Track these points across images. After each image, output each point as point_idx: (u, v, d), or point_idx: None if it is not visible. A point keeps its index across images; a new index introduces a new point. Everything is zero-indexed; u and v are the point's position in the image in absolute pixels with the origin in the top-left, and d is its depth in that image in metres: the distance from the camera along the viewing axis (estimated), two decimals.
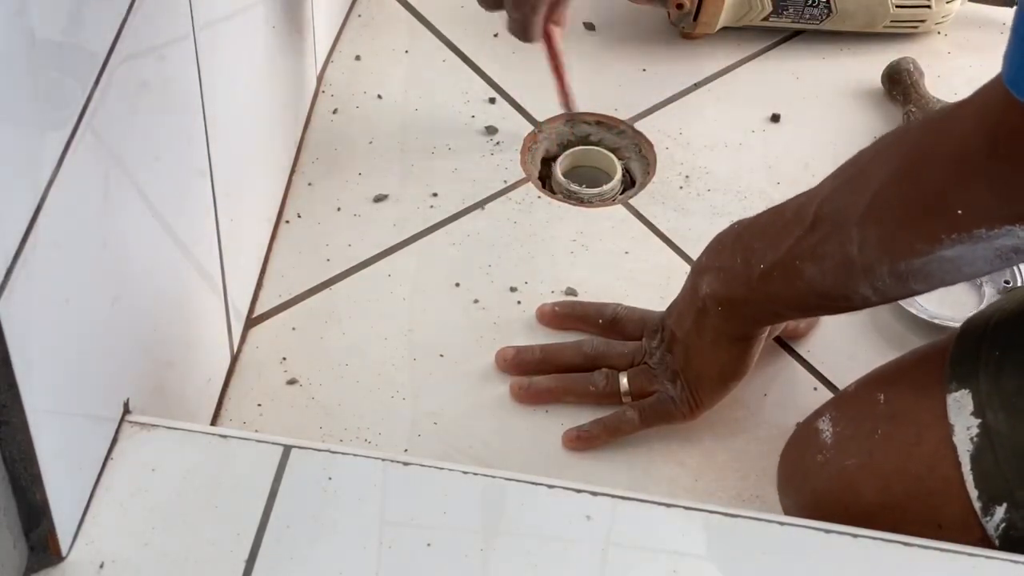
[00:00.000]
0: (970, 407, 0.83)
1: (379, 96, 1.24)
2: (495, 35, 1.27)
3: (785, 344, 1.06)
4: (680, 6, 1.25)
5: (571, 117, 1.20)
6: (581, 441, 0.98)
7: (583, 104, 1.22)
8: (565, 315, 1.06)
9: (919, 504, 0.85)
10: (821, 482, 0.90)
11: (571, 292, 1.09)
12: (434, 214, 1.14)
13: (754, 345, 0.96)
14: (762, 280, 0.89)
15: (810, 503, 0.90)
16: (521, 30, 1.08)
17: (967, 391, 0.84)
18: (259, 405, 1.01)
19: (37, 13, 0.62)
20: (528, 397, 1.01)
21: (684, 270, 0.99)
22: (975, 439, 0.82)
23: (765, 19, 1.28)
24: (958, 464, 0.83)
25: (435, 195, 1.16)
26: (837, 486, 0.89)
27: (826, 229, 0.84)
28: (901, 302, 1.06)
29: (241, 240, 1.03)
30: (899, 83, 1.23)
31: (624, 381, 1.00)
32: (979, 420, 0.83)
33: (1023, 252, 0.75)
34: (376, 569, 0.74)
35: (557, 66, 1.14)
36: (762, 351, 1.04)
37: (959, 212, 0.75)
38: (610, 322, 1.04)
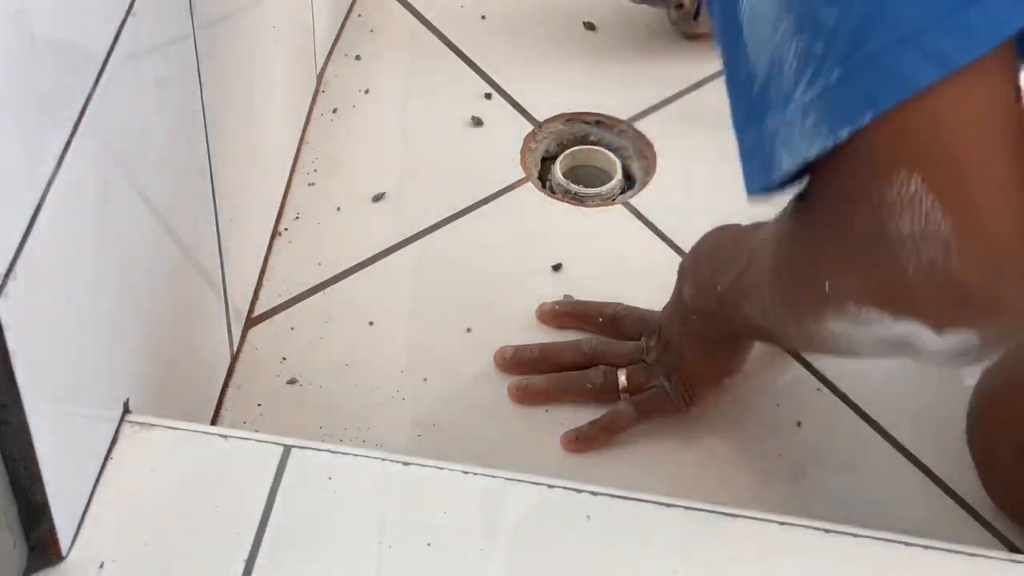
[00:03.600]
0: None
1: (379, 96, 1.24)
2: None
3: None
4: (680, 6, 1.26)
5: None
6: (580, 443, 0.98)
7: (584, 104, 1.22)
8: (565, 314, 1.06)
9: None
10: (976, 399, 0.94)
11: (570, 292, 1.09)
12: (434, 214, 1.14)
13: (744, 348, 0.96)
14: (721, 302, 0.90)
15: (972, 418, 0.95)
16: None
17: None
18: (259, 405, 1.01)
19: (37, 13, 0.62)
20: (526, 397, 1.01)
21: None
22: None
23: None
24: None
25: (435, 195, 1.16)
26: (982, 406, 0.93)
27: (752, 279, 0.83)
28: None
29: (241, 240, 1.03)
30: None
31: (623, 378, 1.00)
32: None
33: (906, 346, 0.69)
34: (376, 569, 0.74)
35: None
36: (762, 351, 1.04)
37: (825, 284, 0.70)
38: (610, 321, 1.05)
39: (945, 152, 0.63)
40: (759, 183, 0.69)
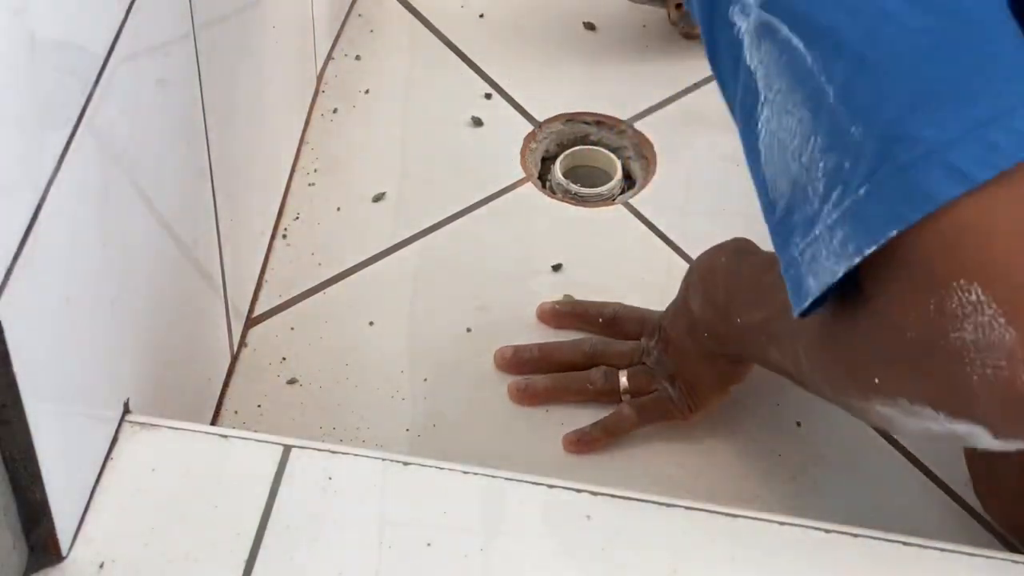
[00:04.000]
0: None
1: (379, 96, 1.24)
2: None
3: None
4: (680, 6, 1.25)
5: None
6: (581, 444, 0.98)
7: (584, 104, 1.22)
8: (565, 313, 1.06)
9: None
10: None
11: (570, 292, 1.09)
12: (433, 214, 1.14)
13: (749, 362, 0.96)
14: (741, 333, 0.88)
15: None
16: None
17: None
18: (259, 405, 1.01)
19: (37, 13, 0.62)
20: (525, 398, 1.01)
21: (684, 270, 0.98)
22: None
23: None
24: None
25: (435, 195, 1.16)
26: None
27: (783, 332, 0.81)
28: None
29: (241, 240, 1.03)
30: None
31: (623, 379, 1.00)
32: None
33: (965, 442, 0.67)
34: (376, 569, 0.74)
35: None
36: None
37: (876, 381, 0.69)
38: (610, 321, 1.04)
39: (1001, 261, 0.62)
40: (797, 306, 0.68)
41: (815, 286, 0.66)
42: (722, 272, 0.92)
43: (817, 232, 0.65)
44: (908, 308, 0.65)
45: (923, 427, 0.68)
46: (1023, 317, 0.62)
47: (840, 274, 0.65)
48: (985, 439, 0.66)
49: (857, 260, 0.64)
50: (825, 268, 0.65)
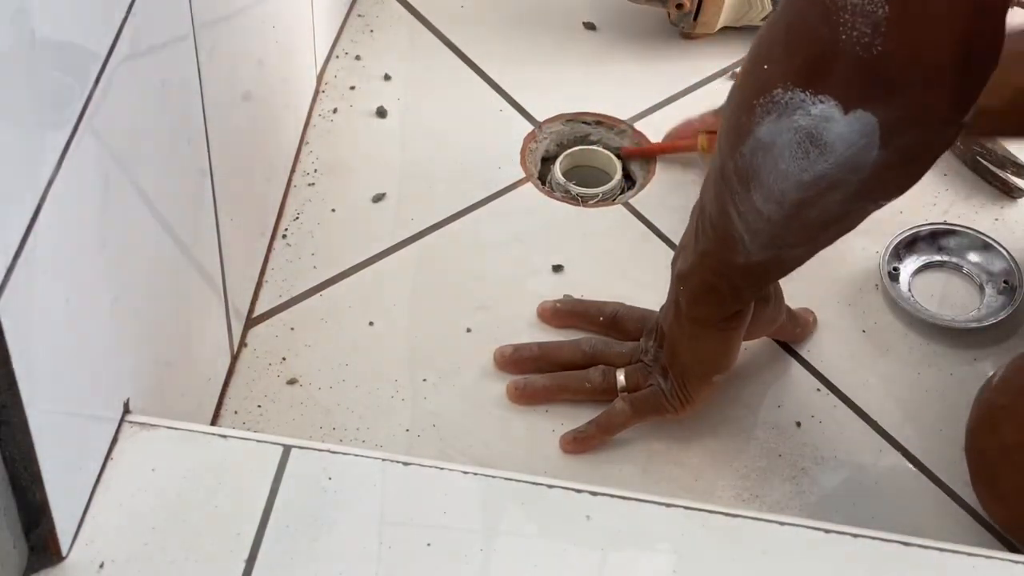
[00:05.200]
0: None
1: (379, 96, 1.24)
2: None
3: (785, 345, 1.06)
4: (680, 6, 1.25)
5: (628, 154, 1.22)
6: (577, 443, 0.98)
7: (584, 104, 1.22)
8: (566, 313, 1.06)
9: None
10: (976, 417, 0.95)
11: (570, 292, 1.09)
12: (433, 213, 1.14)
13: (731, 337, 0.96)
14: (696, 239, 0.91)
15: (968, 433, 0.96)
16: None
17: None
18: (259, 405, 1.01)
19: (37, 13, 0.62)
20: (524, 397, 1.01)
21: None
22: None
23: (765, 19, 1.28)
24: None
25: (435, 195, 1.16)
26: (984, 422, 0.94)
27: (717, 143, 0.88)
28: (900, 303, 1.07)
29: (241, 240, 1.03)
30: None
31: (621, 378, 1.00)
32: None
33: (815, 141, 0.77)
34: (376, 569, 0.74)
35: (653, 149, 1.19)
36: (763, 352, 1.04)
37: (764, 67, 0.79)
38: (610, 321, 1.05)
39: None
40: None
41: None
42: (691, 217, 0.95)
43: None
44: None
45: (791, 130, 0.77)
46: (898, 4, 0.71)
47: None
48: (837, 123, 0.76)
49: None
50: None
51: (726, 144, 0.84)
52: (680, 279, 0.94)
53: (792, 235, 0.87)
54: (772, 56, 0.79)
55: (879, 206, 0.84)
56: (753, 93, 0.80)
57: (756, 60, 0.81)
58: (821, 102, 0.76)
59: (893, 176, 0.81)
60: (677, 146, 1.17)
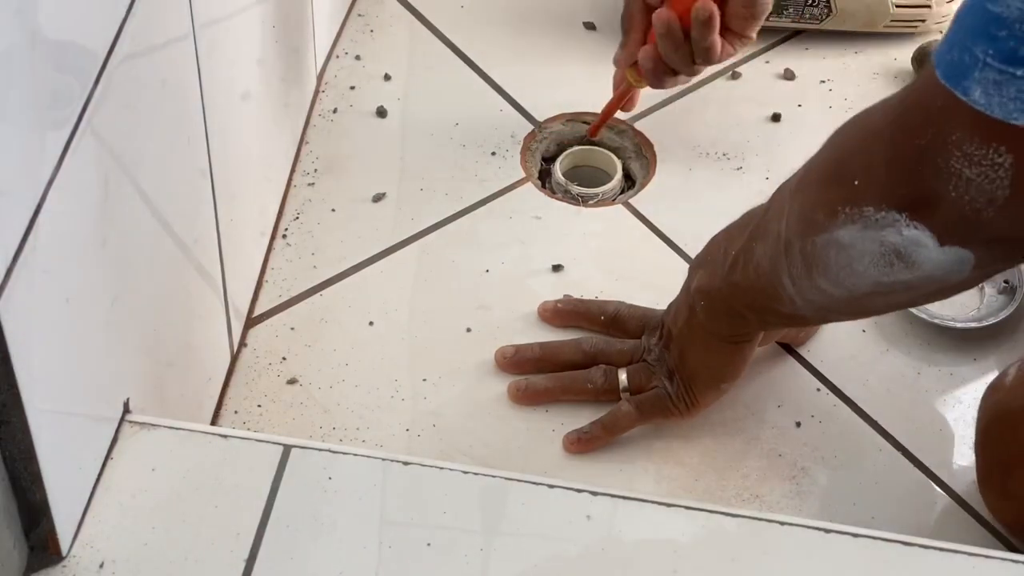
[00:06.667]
0: None
1: (379, 96, 1.24)
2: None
3: (785, 345, 1.06)
4: None
5: (591, 135, 1.21)
6: (581, 443, 0.98)
7: (584, 104, 1.22)
8: (567, 312, 1.06)
9: None
10: (990, 417, 0.94)
11: (570, 292, 1.08)
12: (433, 213, 1.14)
13: (744, 349, 0.96)
14: (730, 269, 0.90)
15: (981, 434, 0.94)
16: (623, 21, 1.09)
17: None
18: (259, 405, 1.01)
19: (37, 13, 0.62)
20: (525, 398, 1.01)
21: (684, 270, 0.99)
22: None
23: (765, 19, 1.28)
24: None
25: (434, 194, 1.16)
26: (1001, 423, 0.93)
27: (774, 205, 0.86)
28: None
29: (241, 240, 1.03)
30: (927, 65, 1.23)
31: (623, 377, 1.00)
32: None
33: (903, 258, 0.75)
34: (376, 569, 0.74)
35: (609, 110, 1.16)
36: (763, 352, 1.04)
37: (856, 183, 0.76)
38: (612, 319, 1.05)
39: None
40: (942, 71, 0.71)
41: (970, 91, 0.68)
42: (723, 231, 0.94)
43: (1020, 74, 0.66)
44: (933, 118, 0.70)
45: (876, 244, 0.75)
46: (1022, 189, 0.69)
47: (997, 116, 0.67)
48: (929, 250, 0.74)
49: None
50: (998, 101, 0.67)
51: (794, 225, 0.82)
52: (702, 293, 0.94)
53: (849, 309, 0.87)
54: (870, 179, 0.76)
55: (945, 298, 0.83)
56: (838, 200, 0.77)
57: (843, 171, 0.78)
58: (916, 228, 0.74)
59: (971, 285, 0.81)
60: (620, 95, 1.14)
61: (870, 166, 0.76)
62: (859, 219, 0.76)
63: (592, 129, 1.19)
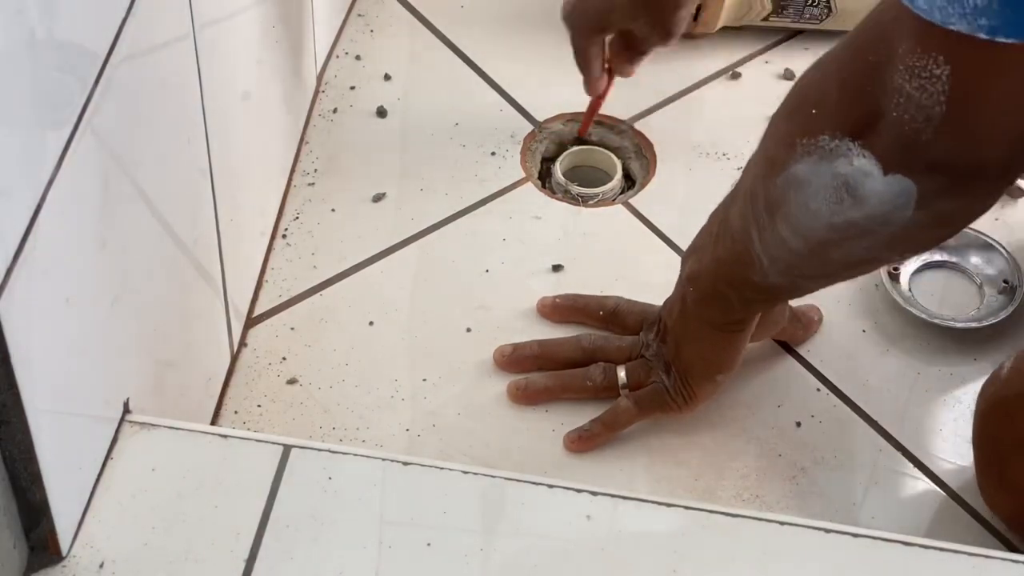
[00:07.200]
0: None
1: (379, 96, 1.24)
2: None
3: (785, 345, 1.06)
4: None
5: (580, 135, 1.21)
6: (582, 441, 0.98)
7: (584, 104, 1.22)
8: (566, 308, 1.06)
9: None
10: (987, 407, 0.94)
11: (570, 292, 1.08)
12: (433, 213, 1.14)
13: (736, 339, 0.96)
14: (714, 244, 0.91)
15: (978, 424, 0.95)
16: (577, 60, 1.10)
17: None
18: (259, 405, 1.01)
19: (37, 13, 0.62)
20: (525, 397, 1.01)
21: None
22: None
23: (765, 19, 1.28)
24: None
25: (434, 194, 1.16)
26: (998, 413, 0.93)
27: (746, 166, 0.88)
28: (900, 302, 1.06)
29: (241, 240, 1.03)
30: None
31: (622, 374, 1.00)
32: None
33: (852, 191, 0.77)
34: (376, 569, 0.74)
35: (595, 106, 1.16)
36: (763, 352, 1.04)
37: (812, 111, 0.78)
38: (611, 315, 1.05)
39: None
40: None
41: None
42: (706, 223, 0.95)
43: None
44: (884, 32, 0.72)
45: (828, 176, 0.77)
46: (958, 106, 0.71)
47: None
48: (875, 181, 0.76)
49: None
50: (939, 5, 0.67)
51: (758, 170, 0.84)
52: (691, 279, 0.94)
53: (812, 268, 0.87)
54: (824, 104, 0.78)
55: (904, 258, 0.85)
56: (797, 132, 0.79)
57: (803, 102, 0.81)
58: (864, 156, 0.76)
59: (923, 235, 0.82)
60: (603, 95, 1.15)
61: (825, 92, 0.78)
62: (815, 150, 0.78)
63: (581, 129, 1.20)
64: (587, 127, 1.20)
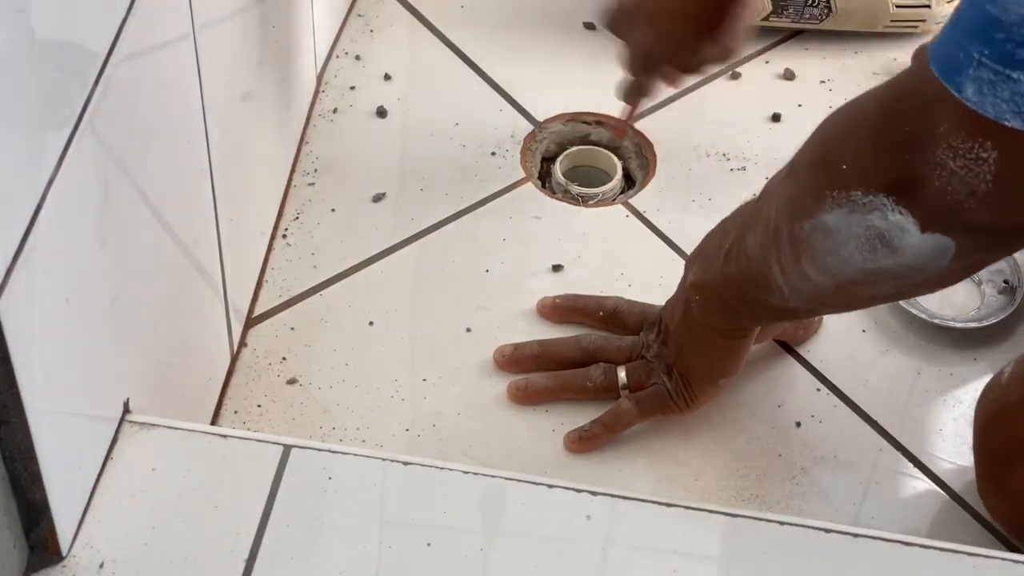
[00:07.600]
0: None
1: (379, 96, 1.24)
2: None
3: (785, 345, 1.06)
4: None
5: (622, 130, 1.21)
6: (583, 442, 0.98)
7: (584, 104, 1.22)
8: (566, 308, 1.06)
9: None
10: (988, 414, 0.94)
11: (570, 292, 1.08)
12: (433, 213, 1.14)
13: (739, 345, 0.96)
14: (724, 261, 0.91)
15: (979, 431, 0.95)
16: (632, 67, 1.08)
17: None
18: (259, 405, 1.01)
19: (38, 13, 0.62)
20: (525, 397, 1.01)
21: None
22: None
23: (765, 19, 1.28)
24: None
25: (435, 195, 1.16)
26: (998, 419, 0.93)
27: (765, 195, 0.87)
28: (900, 303, 1.06)
29: (241, 240, 1.03)
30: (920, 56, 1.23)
31: (623, 375, 1.00)
32: None
33: (887, 243, 0.76)
34: (376, 569, 0.74)
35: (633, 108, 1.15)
36: (763, 352, 1.04)
37: (844, 167, 0.77)
38: (611, 315, 1.05)
39: None
40: (935, 64, 0.71)
41: (963, 88, 0.68)
42: (718, 225, 0.95)
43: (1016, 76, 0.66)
44: (923, 108, 0.71)
45: (861, 228, 0.76)
46: (1005, 185, 0.70)
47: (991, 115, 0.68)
48: (912, 237, 0.75)
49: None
50: (991, 101, 0.67)
51: (783, 210, 0.83)
52: (696, 287, 0.94)
53: (836, 301, 0.88)
54: (857, 163, 0.77)
55: (930, 292, 0.84)
56: (826, 185, 0.78)
57: (830, 156, 0.79)
58: (901, 213, 0.75)
59: (956, 276, 0.82)
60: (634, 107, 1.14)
61: (858, 151, 0.77)
62: (846, 203, 0.77)
63: (620, 131, 1.20)
64: (625, 132, 1.20)
